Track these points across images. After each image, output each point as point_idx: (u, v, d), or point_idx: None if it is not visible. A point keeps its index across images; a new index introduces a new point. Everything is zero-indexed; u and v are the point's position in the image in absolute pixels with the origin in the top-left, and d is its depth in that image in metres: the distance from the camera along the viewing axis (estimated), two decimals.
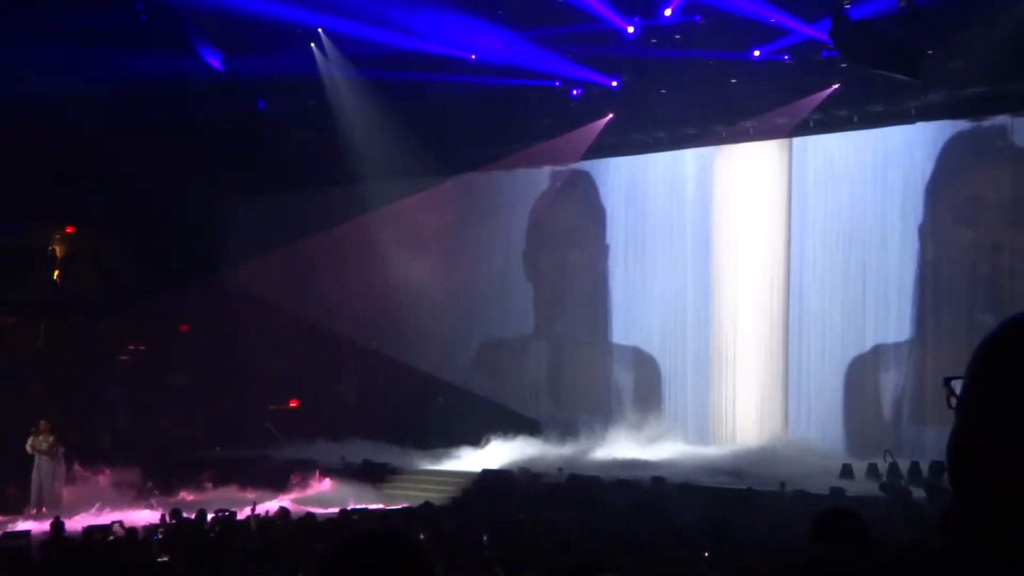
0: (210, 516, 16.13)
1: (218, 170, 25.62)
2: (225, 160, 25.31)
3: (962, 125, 20.09)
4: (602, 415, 23.60)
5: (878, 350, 20.77)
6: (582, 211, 24.85)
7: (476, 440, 22.41)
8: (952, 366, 1.72)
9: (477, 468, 20.84)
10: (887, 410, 20.53)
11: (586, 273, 24.67)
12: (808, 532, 4.29)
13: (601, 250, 24.41)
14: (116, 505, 18.50)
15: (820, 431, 20.99)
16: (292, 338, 26.15)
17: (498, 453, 21.75)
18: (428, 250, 25.70)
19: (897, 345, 20.53)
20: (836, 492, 16.38)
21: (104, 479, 19.74)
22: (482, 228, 25.46)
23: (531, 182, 25.37)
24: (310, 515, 16.20)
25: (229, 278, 26.81)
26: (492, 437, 22.33)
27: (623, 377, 23.96)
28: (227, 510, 17.11)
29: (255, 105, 23.55)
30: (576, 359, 24.71)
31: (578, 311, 24.71)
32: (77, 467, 19.94)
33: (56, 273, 28.23)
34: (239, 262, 27.01)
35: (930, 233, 20.34)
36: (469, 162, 24.84)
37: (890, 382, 20.55)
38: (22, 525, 16.95)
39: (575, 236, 24.94)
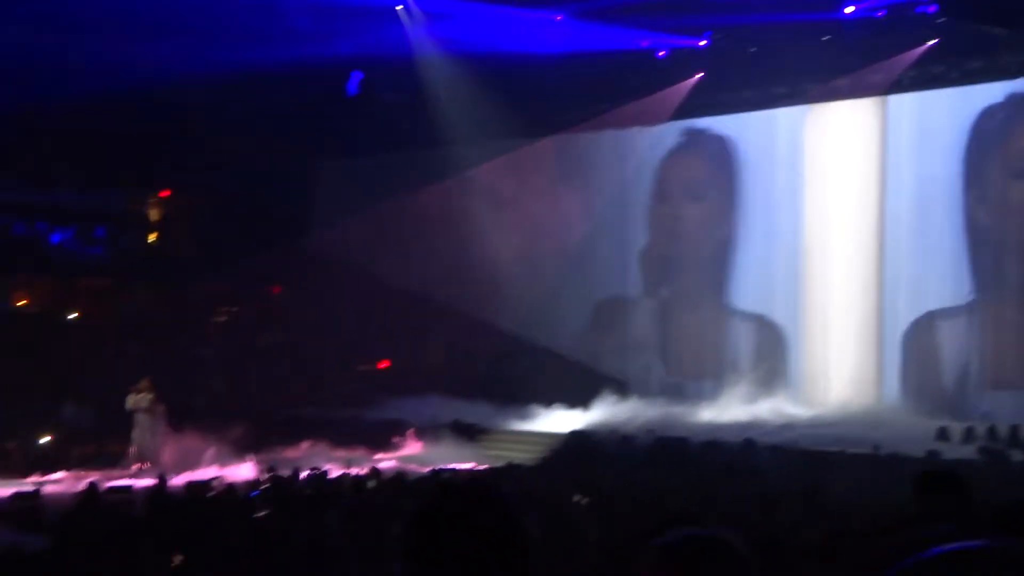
0: (303, 474, 16.52)
1: (307, 134, 25.90)
2: (314, 124, 25.56)
3: None
4: (693, 376, 23.57)
5: (973, 311, 20.45)
6: (686, 170, 24.65)
7: (564, 401, 22.47)
8: None
9: (565, 429, 20.94)
10: (984, 372, 20.22)
11: (686, 234, 24.51)
12: (910, 492, 4.30)
13: (704, 210, 24.22)
14: (214, 462, 19.01)
15: (915, 394, 20.72)
16: (381, 299, 26.38)
17: (586, 415, 21.83)
18: (517, 212, 25.75)
19: (995, 306, 20.20)
20: (932, 455, 16.01)
21: (202, 437, 20.20)
22: (569, 190, 25.45)
23: (619, 144, 25.26)
24: (400, 474, 16.50)
25: (319, 241, 27.17)
26: (580, 398, 22.38)
27: (716, 338, 23.83)
28: (320, 468, 17.51)
29: (345, 71, 23.77)
30: (670, 321, 24.61)
31: (676, 273, 24.60)
32: (175, 425, 20.48)
33: (152, 236, 28.96)
34: (328, 225, 27.34)
35: None
36: (556, 124, 24.79)
37: (988, 344, 20.23)
38: (124, 481, 17.49)
39: (681, 195, 24.64)
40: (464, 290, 25.29)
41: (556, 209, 25.51)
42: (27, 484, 16.91)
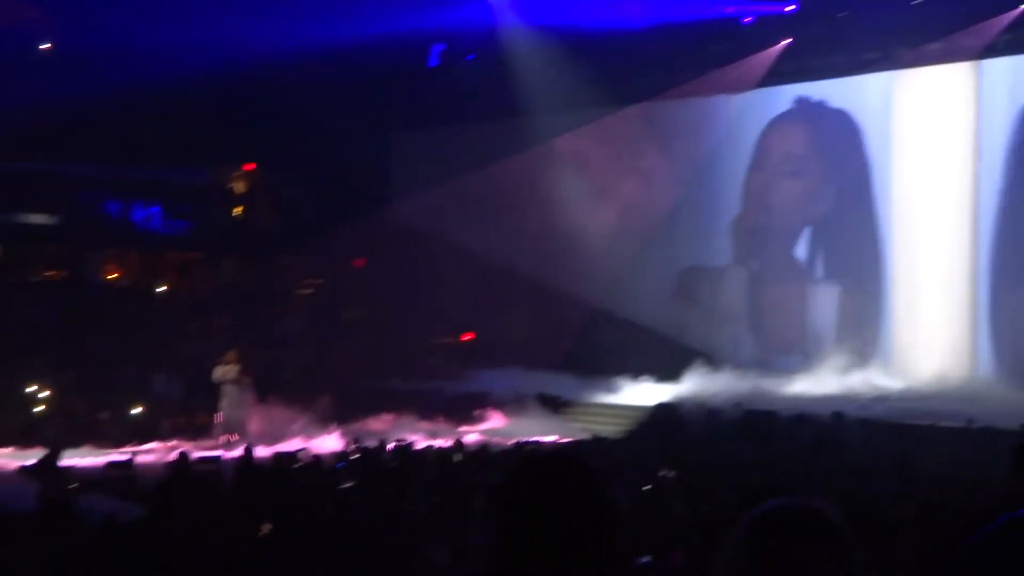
0: (389, 446, 16.70)
1: (388, 105, 26.00)
2: (395, 95, 25.64)
3: None
4: (782, 348, 23.35)
5: None
6: (779, 139, 24.33)
7: (650, 373, 22.40)
8: None
9: (651, 402, 20.88)
10: None
11: (779, 204, 24.23)
12: (1005, 466, 4.22)
13: (798, 179, 23.93)
14: (300, 434, 19.29)
15: (1010, 367, 20.26)
16: (463, 272, 26.45)
17: (672, 387, 21.74)
18: (601, 181, 25.65)
19: None
20: None
21: (288, 409, 20.49)
22: (654, 159, 25.26)
23: (706, 112, 24.99)
24: (484, 447, 16.62)
25: (400, 213, 27.31)
26: (666, 371, 22.28)
27: (806, 309, 23.56)
28: (405, 440, 17.69)
29: (425, 42, 23.84)
30: (759, 292, 24.38)
31: (767, 243, 24.36)
32: (262, 397, 20.75)
33: (237, 210, 29.39)
34: (409, 197, 27.42)
35: None
36: (642, 92, 24.60)
37: None
38: (213, 452, 17.87)
39: (775, 165, 24.27)
40: (548, 261, 25.22)
41: (641, 178, 25.33)
42: (120, 454, 17.35)
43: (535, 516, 2.24)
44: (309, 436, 19.13)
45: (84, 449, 18.25)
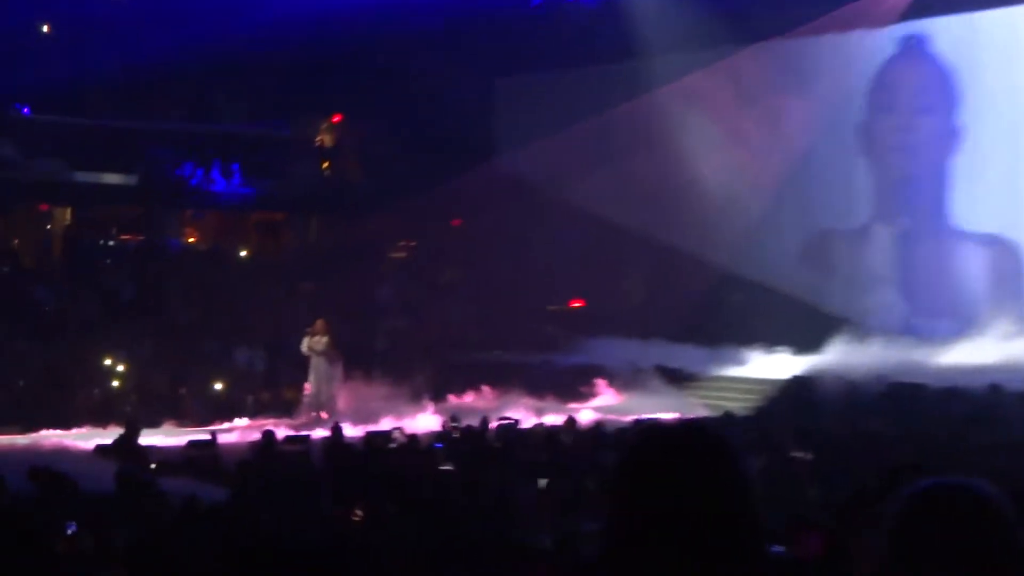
0: (492, 425, 16.81)
1: (488, 50, 25.94)
2: (495, 39, 25.57)
3: None
4: (931, 313, 22.93)
5: None
6: (916, 78, 23.96)
7: (782, 343, 22.15)
8: None
9: (785, 375, 20.74)
10: None
11: (925, 151, 23.89)
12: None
13: (938, 123, 23.50)
14: (394, 410, 19.49)
15: None
16: (573, 231, 26.33)
17: (808, 358, 21.48)
18: (726, 128, 25.33)
19: None
20: None
21: (381, 383, 20.74)
22: (786, 102, 24.85)
23: (843, 49, 24.52)
24: (598, 425, 16.63)
25: (503, 167, 27.25)
26: (800, 340, 22.01)
27: (958, 270, 23.13)
28: (510, 418, 17.78)
29: None
30: (906, 251, 23.97)
31: (912, 196, 23.99)
32: (352, 370, 21.00)
33: (324, 165, 29.69)
34: (513, 149, 27.37)
35: None
36: (770, 28, 24.20)
37: None
38: (300, 431, 18.13)
39: (912, 107, 24.00)
40: (667, 218, 24.96)
41: (771, 124, 24.91)
42: (202, 432, 17.77)
43: (661, 498, 2.19)
44: (404, 414, 19.34)
45: (164, 427, 18.85)
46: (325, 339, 20.57)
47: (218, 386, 21.73)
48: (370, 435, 16.18)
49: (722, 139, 25.24)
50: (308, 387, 20.62)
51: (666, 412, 19.03)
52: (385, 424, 18.23)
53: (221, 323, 24.33)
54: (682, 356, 22.58)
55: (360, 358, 21.74)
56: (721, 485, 2.21)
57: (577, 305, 27.56)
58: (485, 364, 23.06)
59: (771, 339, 22.33)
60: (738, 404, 19.15)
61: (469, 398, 21.43)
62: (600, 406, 20.68)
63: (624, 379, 21.69)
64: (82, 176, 26.78)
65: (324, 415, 19.71)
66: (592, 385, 21.74)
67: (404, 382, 20.76)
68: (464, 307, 26.99)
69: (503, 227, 26.95)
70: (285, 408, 20.89)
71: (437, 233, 28.41)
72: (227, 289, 25.55)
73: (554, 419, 17.90)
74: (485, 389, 21.52)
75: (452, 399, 21.19)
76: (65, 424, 18.75)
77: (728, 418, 17.12)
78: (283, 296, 25.55)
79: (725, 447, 2.26)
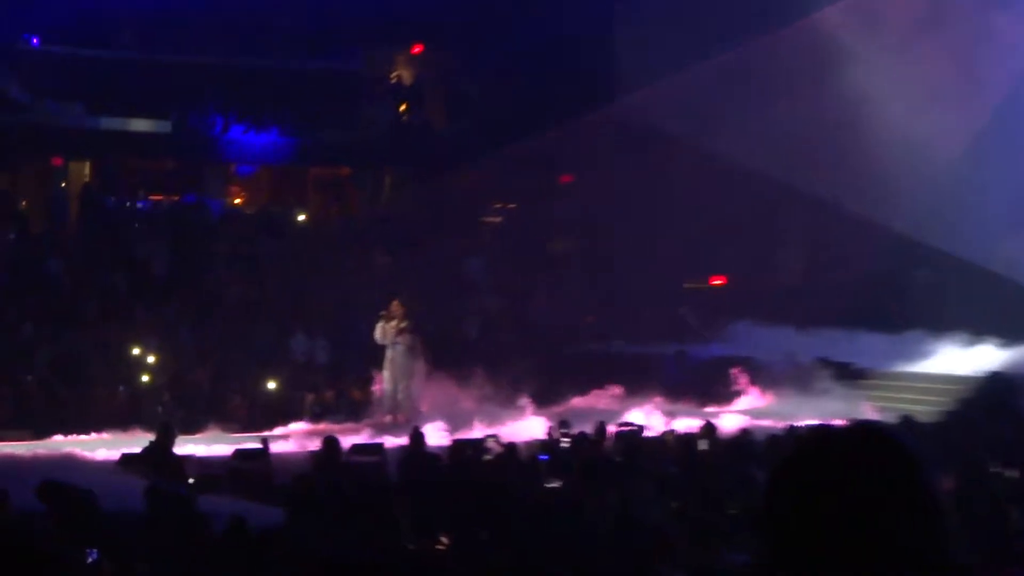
0: (610, 431, 16.79)
1: None
2: None
3: None
4: None
5: None
6: None
7: (981, 332, 21.98)
8: None
9: (982, 371, 20.60)
10: None
11: None
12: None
13: None
14: (488, 414, 19.62)
15: None
16: (713, 191, 26.21)
17: (1014, 351, 21.32)
18: (905, 61, 25.07)
19: None
20: None
21: (471, 379, 20.83)
22: (994, 20, 24.53)
23: None
24: (744, 432, 16.55)
25: (623, 111, 27.19)
26: (1004, 328, 21.79)
27: None
28: (633, 424, 17.74)
29: None
30: None
31: None
32: (437, 363, 21.10)
33: (401, 108, 29.75)
34: (636, 88, 27.33)
35: None
36: None
37: None
38: (372, 437, 18.24)
39: None
40: (831, 176, 24.81)
41: (970, 53, 24.61)
42: (251, 439, 17.84)
43: (828, 524, 2.20)
44: (500, 418, 19.44)
45: (205, 433, 19.15)
46: (403, 325, 20.71)
47: (271, 384, 21.91)
48: (458, 444, 16.17)
49: (904, 74, 24.97)
50: (381, 384, 20.77)
51: (830, 417, 18.86)
52: (477, 431, 18.34)
53: (274, 305, 24.63)
54: (850, 347, 22.52)
55: (447, 348, 21.87)
56: (906, 508, 2.20)
57: (718, 283, 27.45)
58: (602, 357, 23.12)
59: (965, 327, 22.12)
60: (922, 407, 19.00)
61: (582, 399, 21.45)
62: (747, 409, 20.62)
63: (776, 375, 21.62)
64: (104, 122, 27.03)
65: (401, 419, 19.83)
66: (736, 383, 21.68)
67: (501, 379, 20.87)
68: (576, 285, 26.97)
69: (625, 186, 26.85)
70: (353, 410, 21.10)
71: (542, 192, 28.39)
72: (281, 262, 25.81)
73: (689, 425, 17.82)
74: (602, 388, 21.55)
75: (562, 401, 21.21)
76: (83, 429, 19.03)
77: (908, 424, 16.91)
78: (351, 271, 25.71)
79: (911, 460, 2.24)
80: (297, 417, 20.63)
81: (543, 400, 20.83)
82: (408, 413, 20.06)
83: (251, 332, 23.51)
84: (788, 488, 2.25)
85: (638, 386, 21.14)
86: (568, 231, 28.36)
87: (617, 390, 21.45)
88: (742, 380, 21.91)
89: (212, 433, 19.21)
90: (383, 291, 22.39)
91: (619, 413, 19.31)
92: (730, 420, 19.12)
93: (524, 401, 20.45)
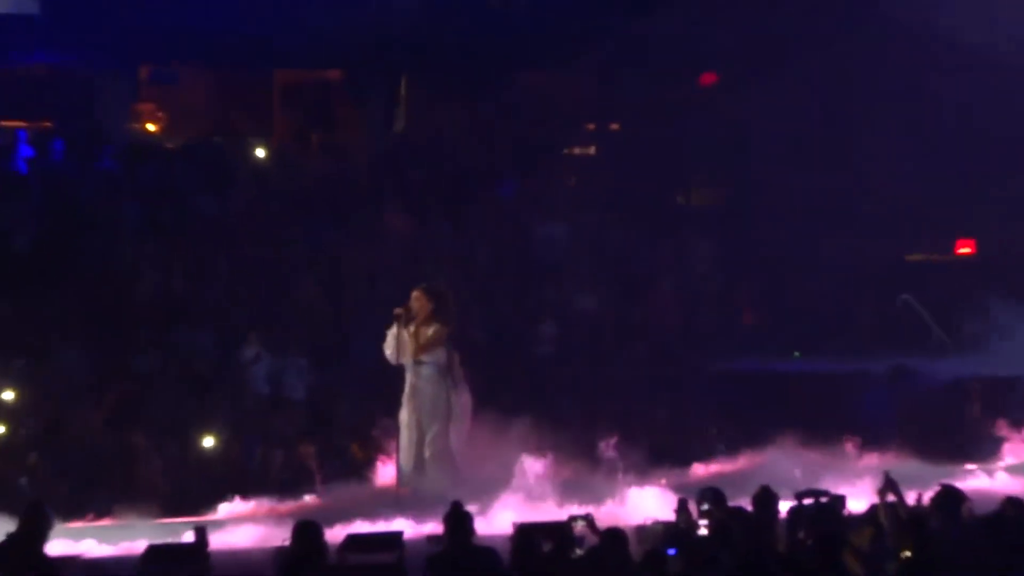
0: (786, 505, 16.64)
1: None
2: None
3: None
4: None
5: None
6: None
7: None
8: None
9: None
10: None
11: None
12: None
13: None
14: (575, 480, 19.85)
15: None
16: (957, 100, 26.42)
17: None
18: None
19: None
20: None
21: (548, 423, 20.74)
22: None
23: None
24: (1013, 506, 16.34)
25: None
26: None
27: None
28: (823, 493, 17.55)
29: None
30: None
31: None
32: (487, 395, 21.10)
33: None
34: None
35: None
36: None
37: None
38: (381, 522, 18.13)
39: None
40: None
41: None
42: (178, 527, 17.98)
43: None
44: (596, 487, 19.51)
45: (103, 518, 19.39)
46: (432, 332, 20.56)
47: (208, 437, 21.99)
48: (525, 531, 16.04)
49: None
50: (397, 432, 20.63)
51: None
52: (557, 509, 18.33)
53: (216, 303, 24.66)
54: None
55: (506, 372, 21.83)
56: None
57: (965, 250, 27.38)
58: (762, 380, 23.21)
59: None
60: None
61: (730, 453, 21.45)
62: (1014, 465, 20.58)
63: None
64: None
65: (429, 489, 19.69)
66: (995, 423, 21.66)
67: (596, 421, 21.13)
68: (719, 264, 27.00)
69: (804, 94, 26.99)
70: (348, 475, 21.04)
71: (665, 104, 28.48)
72: (227, 231, 25.77)
73: (916, 492, 17.64)
74: (765, 432, 21.54)
75: (695, 455, 21.42)
76: None
77: None
78: (343, 243, 25.92)
79: None
80: (254, 489, 20.56)
81: (667, 456, 20.92)
82: (441, 479, 19.93)
83: (176, 348, 23.45)
84: None
85: (823, 428, 21.27)
86: (707, 171, 28.31)
87: (789, 436, 21.29)
88: (999, 422, 21.78)
89: (114, 518, 19.22)
90: (398, 276, 22.55)
91: (797, 474, 19.25)
92: (983, 483, 19.13)
93: (634, 458, 20.49)
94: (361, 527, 17.68)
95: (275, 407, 22.90)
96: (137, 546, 16.52)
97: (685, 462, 21.30)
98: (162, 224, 25.93)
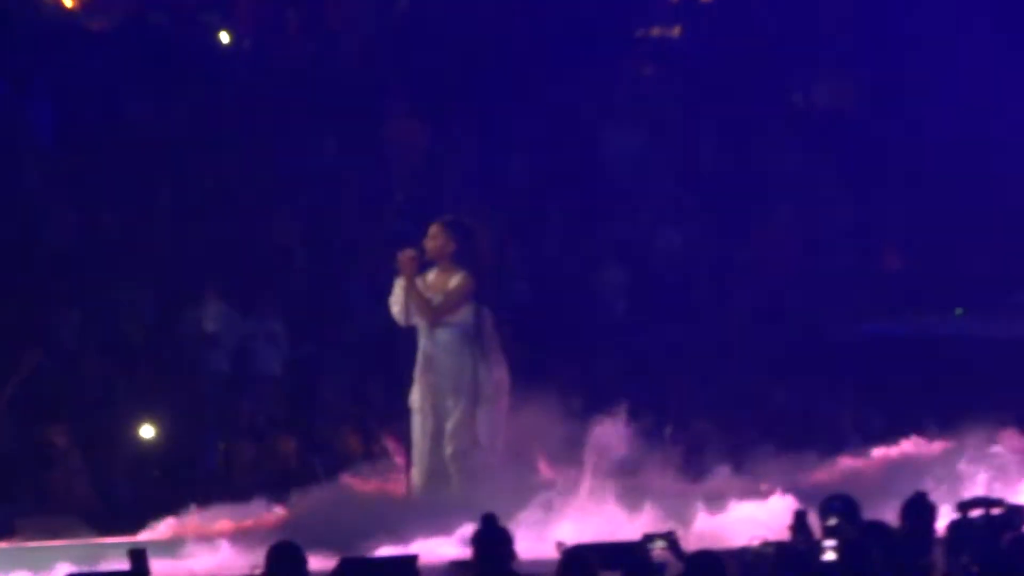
0: (941, 521, 16.75)
1: None
2: None
3: None
4: None
5: None
6: None
7: None
8: None
9: None
10: None
11: None
12: None
13: None
14: (650, 486, 19.85)
15: None
16: None
17: None
18: None
19: None
20: None
21: (614, 409, 20.73)
22: None
23: None
24: None
25: None
26: None
27: None
28: (995, 503, 17.66)
29: None
30: None
31: None
32: (531, 371, 21.24)
33: None
34: None
35: None
36: None
37: None
38: (388, 540, 18.28)
39: None
40: None
41: None
42: (110, 549, 17.79)
43: None
44: (679, 495, 19.65)
45: (8, 538, 19.36)
46: (454, 281, 20.68)
47: (148, 427, 22.18)
48: (578, 553, 16.19)
49: None
50: (412, 412, 20.74)
51: None
52: (626, 524, 18.39)
53: (158, 248, 24.61)
54: None
55: (558, 337, 21.95)
56: None
57: None
58: (914, 345, 23.26)
59: None
60: None
61: (859, 448, 21.57)
62: None
63: None
64: None
65: (453, 492, 19.83)
66: None
67: (680, 408, 21.52)
68: (846, 182, 27.17)
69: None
70: (338, 473, 21.16)
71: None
72: (174, 147, 25.85)
73: None
74: (909, 421, 21.62)
75: (815, 452, 21.39)
76: None
77: None
78: (331, 160, 26.04)
79: None
80: (212, 498, 20.65)
81: (780, 451, 21.06)
82: (466, 483, 20.07)
83: (102, 311, 23.55)
84: None
85: (988, 412, 21.28)
86: (835, 59, 28.54)
87: (955, 422, 21.43)
88: None
89: (20, 538, 19.36)
90: (408, 206, 22.64)
91: (949, 472, 19.49)
92: None
93: (735, 455, 20.73)
94: (360, 549, 17.78)
95: (240, 387, 22.99)
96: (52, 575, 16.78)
97: (806, 459, 21.14)
98: (80, 138, 25.93)
